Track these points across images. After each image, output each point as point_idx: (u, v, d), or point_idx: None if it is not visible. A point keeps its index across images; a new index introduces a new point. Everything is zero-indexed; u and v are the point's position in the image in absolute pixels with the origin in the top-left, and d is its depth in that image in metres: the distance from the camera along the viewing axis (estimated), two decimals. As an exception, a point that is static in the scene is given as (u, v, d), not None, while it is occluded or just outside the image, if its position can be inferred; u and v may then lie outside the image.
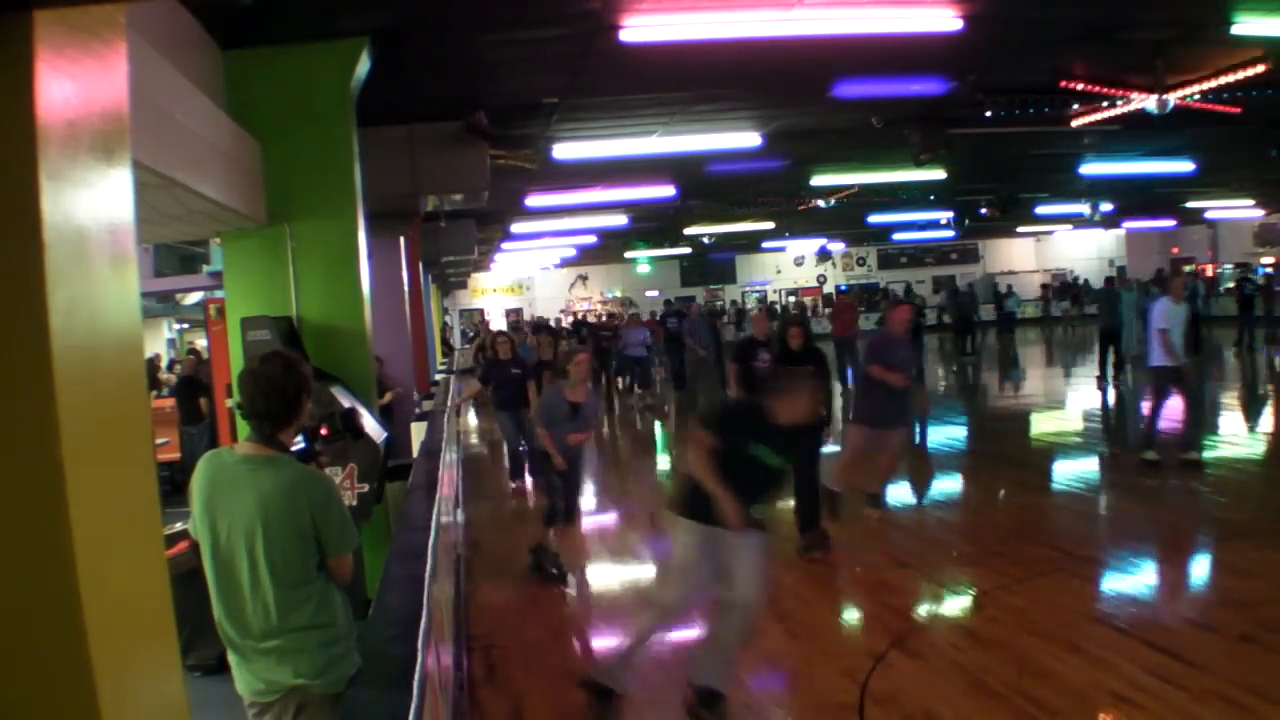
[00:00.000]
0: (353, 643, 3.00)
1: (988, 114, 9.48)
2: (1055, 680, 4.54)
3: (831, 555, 7.12)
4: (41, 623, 1.46)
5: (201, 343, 15.86)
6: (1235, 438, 10.93)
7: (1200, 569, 6.47)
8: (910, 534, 7.66)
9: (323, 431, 5.21)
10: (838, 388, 15.21)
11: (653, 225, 22.41)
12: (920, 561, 6.78)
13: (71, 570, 1.44)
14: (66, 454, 1.44)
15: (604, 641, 5.65)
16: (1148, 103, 8.85)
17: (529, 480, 10.19)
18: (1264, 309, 23.60)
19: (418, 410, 9.07)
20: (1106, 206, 22.45)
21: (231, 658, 2.98)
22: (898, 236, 32.14)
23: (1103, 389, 15.30)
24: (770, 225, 23.18)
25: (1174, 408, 9.17)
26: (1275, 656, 4.66)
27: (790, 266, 37.09)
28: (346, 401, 5.65)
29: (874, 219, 23.39)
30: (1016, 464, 10.44)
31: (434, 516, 4.03)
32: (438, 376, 14.86)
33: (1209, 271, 32.07)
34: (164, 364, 20.56)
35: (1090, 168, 15.36)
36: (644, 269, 35.19)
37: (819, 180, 15.29)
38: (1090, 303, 26.96)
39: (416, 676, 2.24)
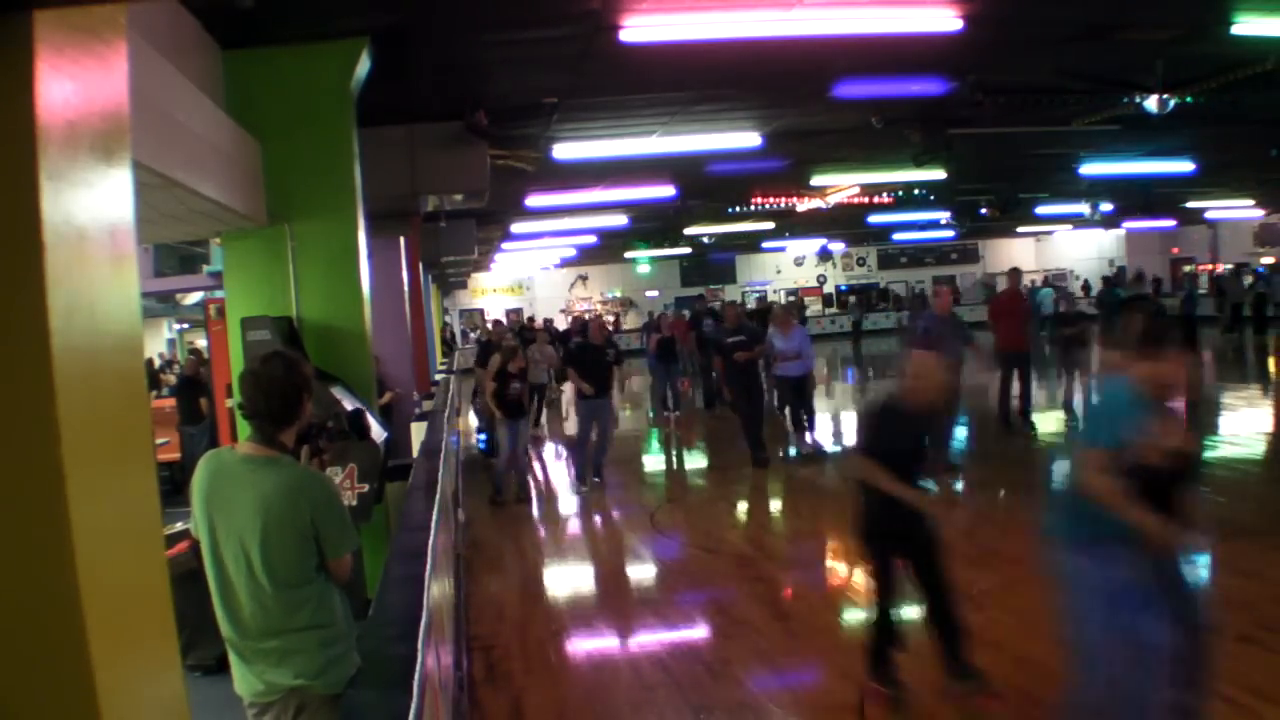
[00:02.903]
0: (352, 643, 3.00)
1: (988, 114, 9.48)
2: (1055, 680, 4.53)
3: (831, 554, 7.13)
4: (41, 622, 1.46)
5: (201, 343, 15.86)
6: (1235, 437, 10.93)
7: (1199, 569, 6.46)
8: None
9: (328, 426, 5.22)
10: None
11: (653, 225, 22.42)
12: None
13: (71, 570, 1.44)
14: (66, 454, 1.44)
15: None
16: (1148, 103, 8.86)
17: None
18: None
19: (418, 410, 9.07)
20: (1106, 206, 22.47)
21: (231, 656, 2.98)
22: (898, 236, 32.15)
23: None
24: (770, 225, 23.18)
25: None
26: (1275, 656, 4.66)
27: (790, 266, 37.11)
28: (348, 402, 5.65)
29: (874, 219, 23.39)
30: (1015, 463, 10.43)
31: (434, 516, 4.03)
32: (438, 376, 14.86)
33: (1216, 270, 31.98)
34: (158, 365, 20.49)
35: (1090, 168, 15.36)
36: (644, 269, 35.21)
37: (819, 180, 15.29)
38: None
39: (416, 676, 2.24)
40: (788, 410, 11.41)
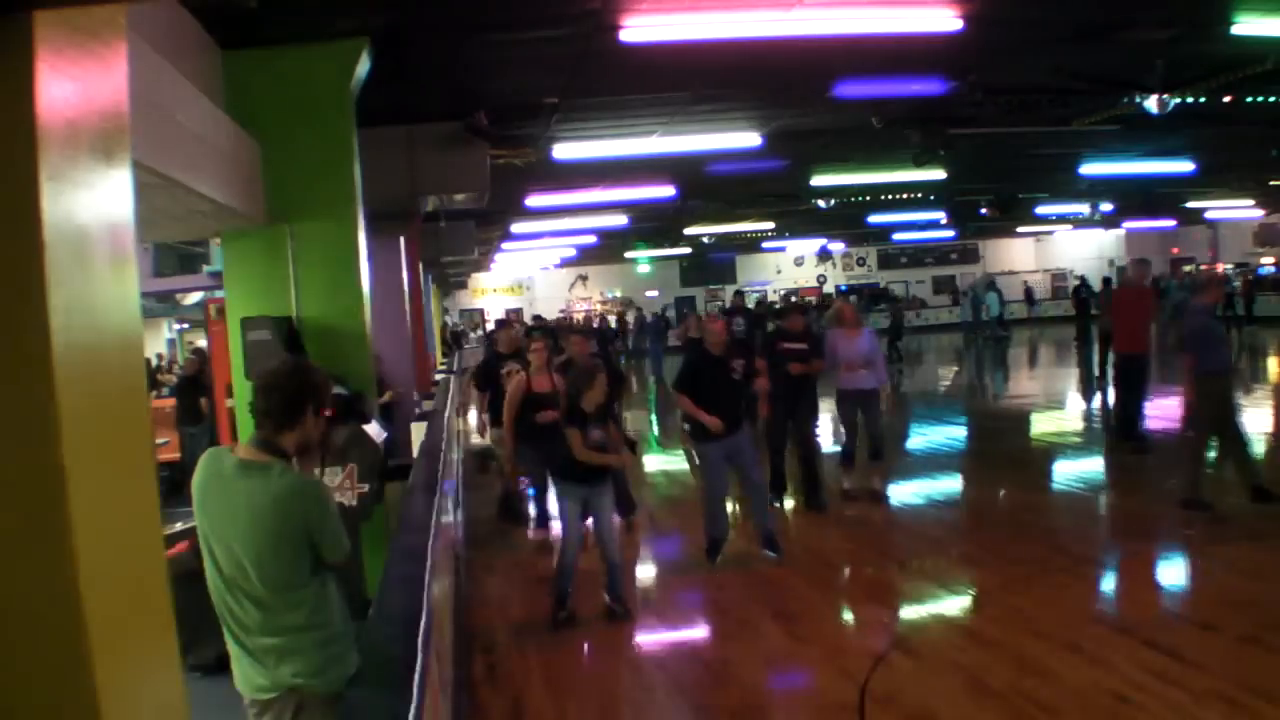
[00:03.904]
0: (350, 643, 3.00)
1: (988, 114, 9.49)
2: (1055, 680, 4.54)
3: (832, 555, 7.12)
4: (41, 622, 1.46)
5: (202, 342, 15.86)
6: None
7: (1201, 569, 6.47)
8: (910, 534, 7.66)
9: (327, 413, 5.19)
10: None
11: (653, 225, 22.44)
12: (920, 561, 6.78)
13: (72, 570, 1.44)
14: (66, 454, 1.44)
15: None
16: (1148, 103, 8.87)
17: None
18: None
19: (418, 410, 9.07)
20: (1106, 206, 22.51)
21: (232, 651, 2.98)
22: (898, 236, 32.18)
23: (1102, 389, 15.32)
24: (770, 225, 23.21)
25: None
26: (1276, 657, 4.66)
27: (790, 266, 37.12)
28: (342, 389, 5.64)
29: (874, 219, 23.42)
30: (1016, 464, 10.43)
31: (434, 516, 4.03)
32: (438, 376, 14.86)
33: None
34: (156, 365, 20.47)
35: (1090, 168, 15.38)
36: (644, 269, 35.23)
37: (819, 180, 15.29)
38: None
39: (416, 676, 2.24)
40: (842, 435, 8.97)
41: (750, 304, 17.20)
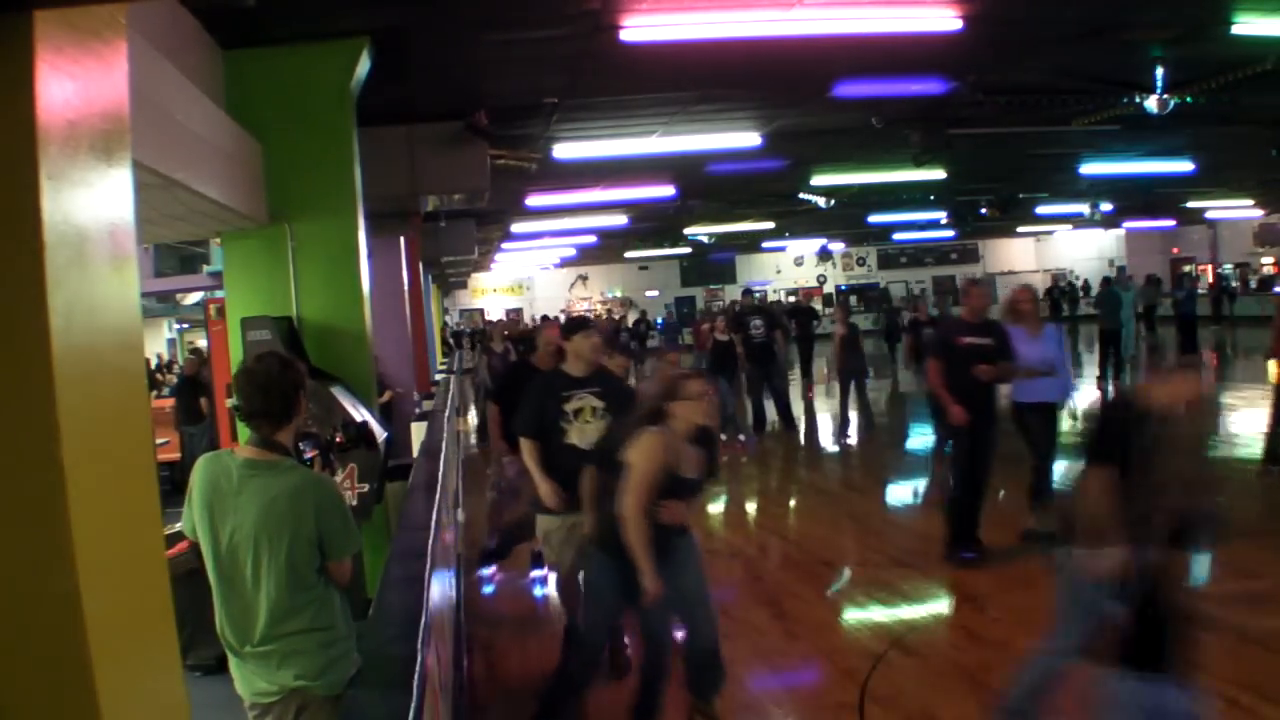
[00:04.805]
0: (353, 644, 3.00)
1: (988, 114, 9.49)
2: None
3: (832, 555, 7.12)
4: (41, 623, 1.46)
5: (202, 342, 15.87)
6: (1236, 437, 10.93)
7: (1200, 569, 6.46)
8: (910, 534, 7.66)
9: (338, 440, 5.24)
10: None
11: (653, 225, 22.43)
12: (920, 561, 6.78)
13: (71, 570, 1.44)
14: (66, 454, 1.44)
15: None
16: (1148, 103, 8.87)
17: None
18: (1069, 311, 27.60)
19: (418, 410, 9.07)
20: (1106, 206, 22.50)
21: (231, 660, 2.98)
22: (898, 236, 32.16)
23: (1103, 390, 15.33)
24: (770, 225, 23.20)
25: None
26: (1275, 656, 4.66)
27: (790, 266, 37.13)
28: (347, 403, 5.65)
29: (874, 219, 23.41)
30: (1017, 464, 10.41)
31: (434, 516, 4.03)
32: (438, 376, 14.86)
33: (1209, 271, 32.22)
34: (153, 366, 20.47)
35: (1090, 168, 15.37)
36: (644, 269, 35.25)
37: (819, 180, 15.30)
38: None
39: (416, 676, 2.24)
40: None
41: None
